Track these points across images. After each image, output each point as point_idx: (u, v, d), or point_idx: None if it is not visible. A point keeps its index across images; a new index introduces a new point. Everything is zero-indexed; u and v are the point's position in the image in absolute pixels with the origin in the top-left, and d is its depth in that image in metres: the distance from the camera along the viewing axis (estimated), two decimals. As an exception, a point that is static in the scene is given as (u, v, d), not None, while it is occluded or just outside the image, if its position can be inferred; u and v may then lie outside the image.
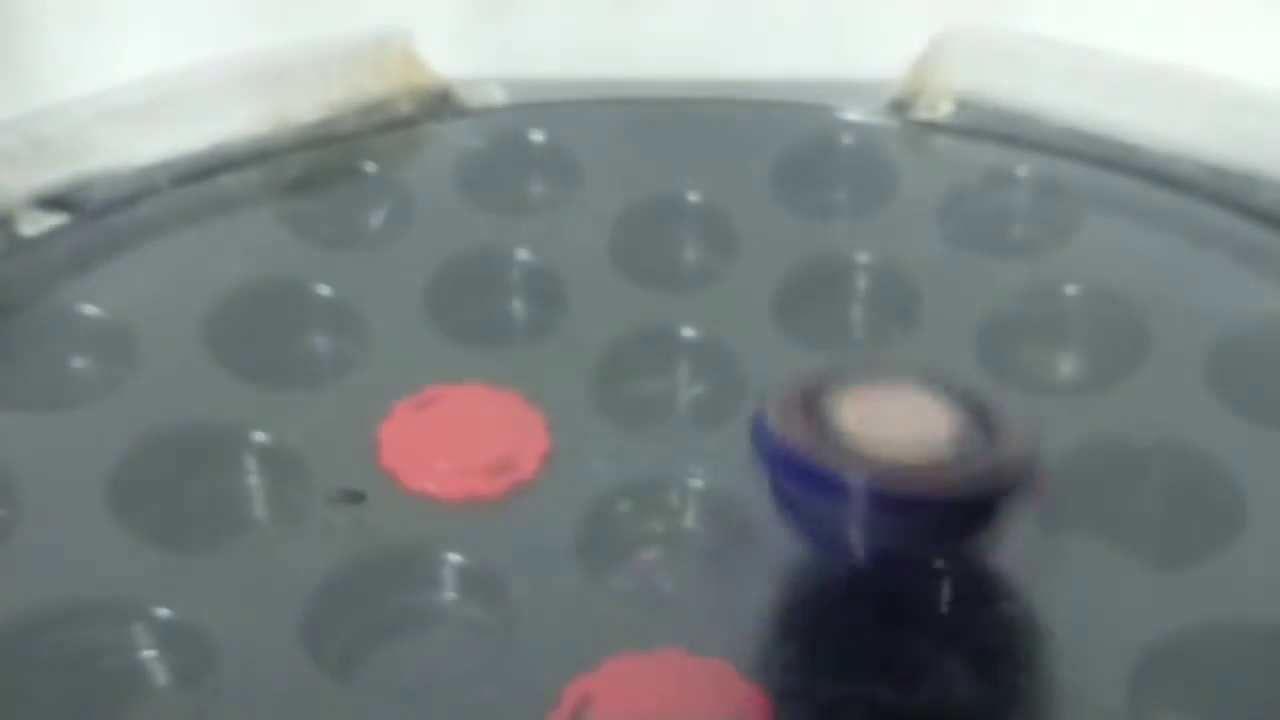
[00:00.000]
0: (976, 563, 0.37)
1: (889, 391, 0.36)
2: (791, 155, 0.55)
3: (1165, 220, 0.51)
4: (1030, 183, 0.54)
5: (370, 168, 0.55)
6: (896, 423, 0.34)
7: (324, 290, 0.50)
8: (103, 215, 0.52)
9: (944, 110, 0.56)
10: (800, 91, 0.57)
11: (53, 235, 0.51)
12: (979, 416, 0.35)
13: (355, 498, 0.43)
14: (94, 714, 0.40)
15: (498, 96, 0.58)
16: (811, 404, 0.35)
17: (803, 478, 0.34)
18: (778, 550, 0.41)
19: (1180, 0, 0.60)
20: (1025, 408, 0.45)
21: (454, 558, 0.42)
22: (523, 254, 0.52)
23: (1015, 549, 0.41)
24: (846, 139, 0.56)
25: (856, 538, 0.34)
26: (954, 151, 0.56)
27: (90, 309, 0.49)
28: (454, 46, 0.61)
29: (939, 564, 0.40)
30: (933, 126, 0.56)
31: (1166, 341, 0.47)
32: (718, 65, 0.60)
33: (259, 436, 0.45)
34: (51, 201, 0.52)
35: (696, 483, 0.44)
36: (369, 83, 0.56)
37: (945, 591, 0.41)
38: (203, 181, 0.53)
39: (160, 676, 0.40)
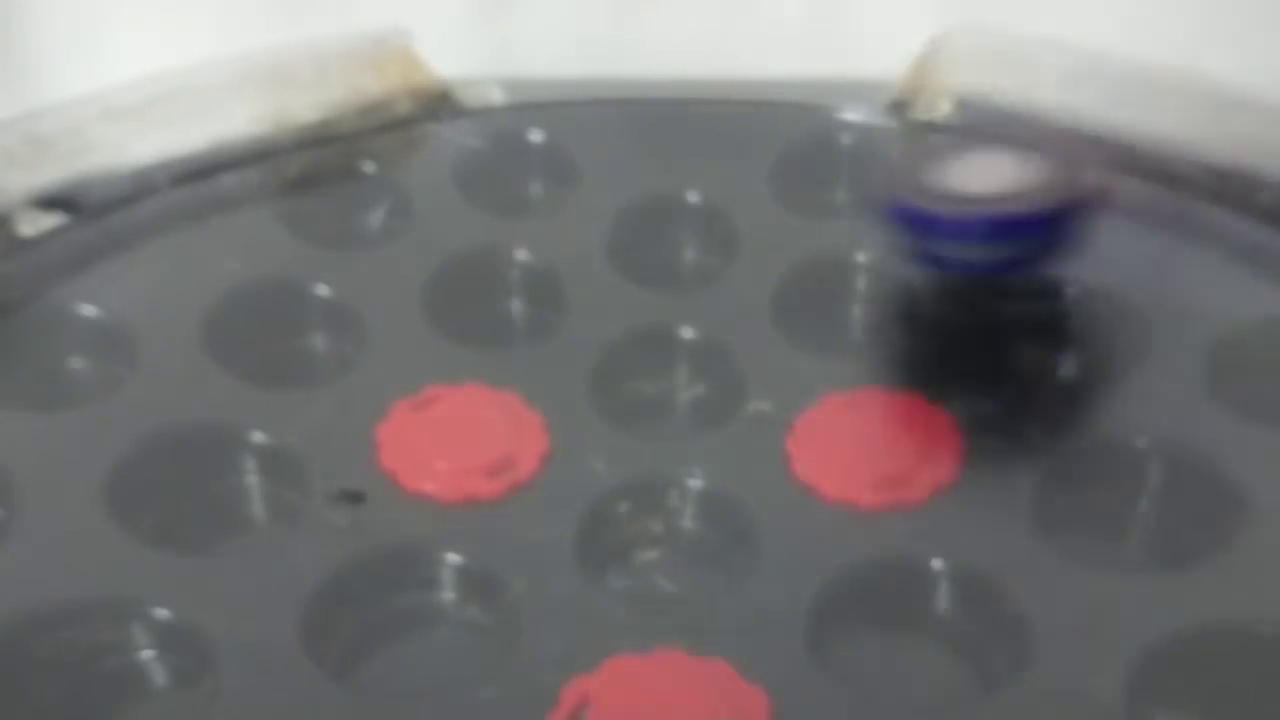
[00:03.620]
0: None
1: (978, 156, 0.47)
2: (791, 155, 0.55)
3: (1165, 220, 0.51)
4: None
5: (369, 167, 0.55)
6: (987, 177, 0.46)
7: (323, 290, 0.50)
8: (101, 215, 0.52)
9: (944, 110, 0.56)
10: (800, 91, 0.57)
11: (51, 235, 0.51)
12: (1054, 158, 0.46)
13: (354, 498, 0.43)
14: (94, 714, 0.40)
15: (497, 96, 0.58)
16: (920, 177, 0.46)
17: (936, 227, 0.45)
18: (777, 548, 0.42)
19: (1180, 1, 0.60)
20: (1024, 409, 0.46)
21: (453, 558, 0.42)
22: (522, 254, 0.51)
23: (1015, 549, 0.42)
24: (846, 139, 0.56)
25: (967, 256, 0.46)
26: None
27: (89, 309, 0.49)
28: (453, 46, 0.61)
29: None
30: (932, 126, 0.56)
31: (1166, 341, 0.47)
32: (718, 65, 0.60)
33: (258, 437, 0.45)
34: (50, 201, 0.52)
35: (696, 483, 0.44)
36: (368, 83, 0.56)
37: (945, 592, 0.41)
38: (202, 181, 0.53)
39: (159, 677, 0.40)
